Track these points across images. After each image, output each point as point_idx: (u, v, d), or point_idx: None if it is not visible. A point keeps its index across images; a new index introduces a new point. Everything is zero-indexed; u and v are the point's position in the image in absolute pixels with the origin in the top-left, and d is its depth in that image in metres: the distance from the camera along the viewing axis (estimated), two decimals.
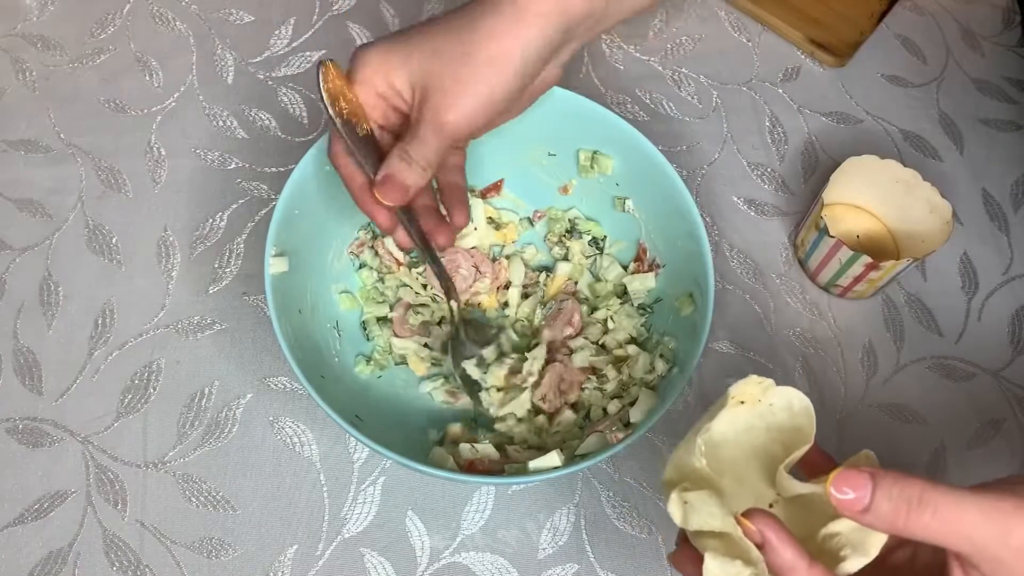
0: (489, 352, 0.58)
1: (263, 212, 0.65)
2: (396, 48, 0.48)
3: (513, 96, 0.49)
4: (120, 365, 0.58)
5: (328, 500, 0.56)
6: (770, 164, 0.70)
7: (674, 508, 0.38)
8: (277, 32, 0.73)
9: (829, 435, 0.60)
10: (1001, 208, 0.70)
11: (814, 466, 0.42)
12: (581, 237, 0.63)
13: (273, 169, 0.66)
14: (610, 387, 0.57)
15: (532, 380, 0.57)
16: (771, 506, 0.40)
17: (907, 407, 0.61)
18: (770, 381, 0.40)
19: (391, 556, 0.54)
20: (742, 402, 0.40)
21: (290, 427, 0.58)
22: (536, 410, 0.57)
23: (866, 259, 0.59)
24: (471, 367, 0.57)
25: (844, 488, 0.35)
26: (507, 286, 0.62)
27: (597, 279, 0.62)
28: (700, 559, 0.37)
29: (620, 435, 0.51)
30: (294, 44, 0.73)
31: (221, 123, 0.68)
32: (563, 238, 0.63)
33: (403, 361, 0.59)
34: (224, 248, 0.63)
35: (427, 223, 0.54)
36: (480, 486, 0.57)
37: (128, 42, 0.71)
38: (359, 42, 0.73)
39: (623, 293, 0.61)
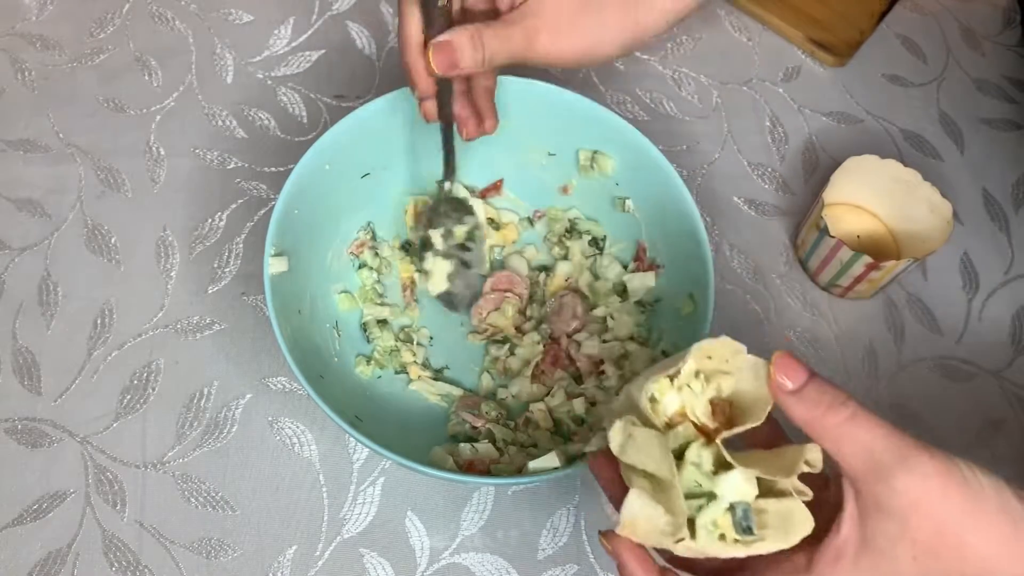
0: (460, 230, 0.58)
1: (262, 212, 0.64)
2: None
3: (617, 53, 0.50)
4: (119, 365, 0.58)
5: (328, 500, 0.56)
6: (770, 164, 0.70)
7: (616, 434, 0.38)
8: (276, 32, 0.73)
9: None
10: (1002, 208, 0.70)
11: (765, 439, 0.42)
12: (581, 237, 0.63)
13: (272, 169, 0.66)
14: (611, 383, 0.57)
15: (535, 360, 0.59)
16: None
17: (908, 408, 0.61)
18: (742, 346, 0.39)
19: (391, 557, 0.54)
20: (710, 357, 0.39)
21: (289, 427, 0.57)
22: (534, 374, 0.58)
23: (867, 259, 0.59)
24: (436, 235, 0.57)
25: (783, 370, 0.37)
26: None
27: (597, 278, 0.62)
28: (620, 476, 0.39)
29: None
30: (293, 44, 0.72)
31: (220, 123, 0.68)
32: (563, 238, 0.63)
33: (403, 369, 0.59)
34: (223, 248, 0.63)
35: (462, 109, 0.53)
36: (480, 486, 0.57)
37: (127, 42, 0.71)
38: (358, 42, 0.73)
39: (623, 292, 0.60)
